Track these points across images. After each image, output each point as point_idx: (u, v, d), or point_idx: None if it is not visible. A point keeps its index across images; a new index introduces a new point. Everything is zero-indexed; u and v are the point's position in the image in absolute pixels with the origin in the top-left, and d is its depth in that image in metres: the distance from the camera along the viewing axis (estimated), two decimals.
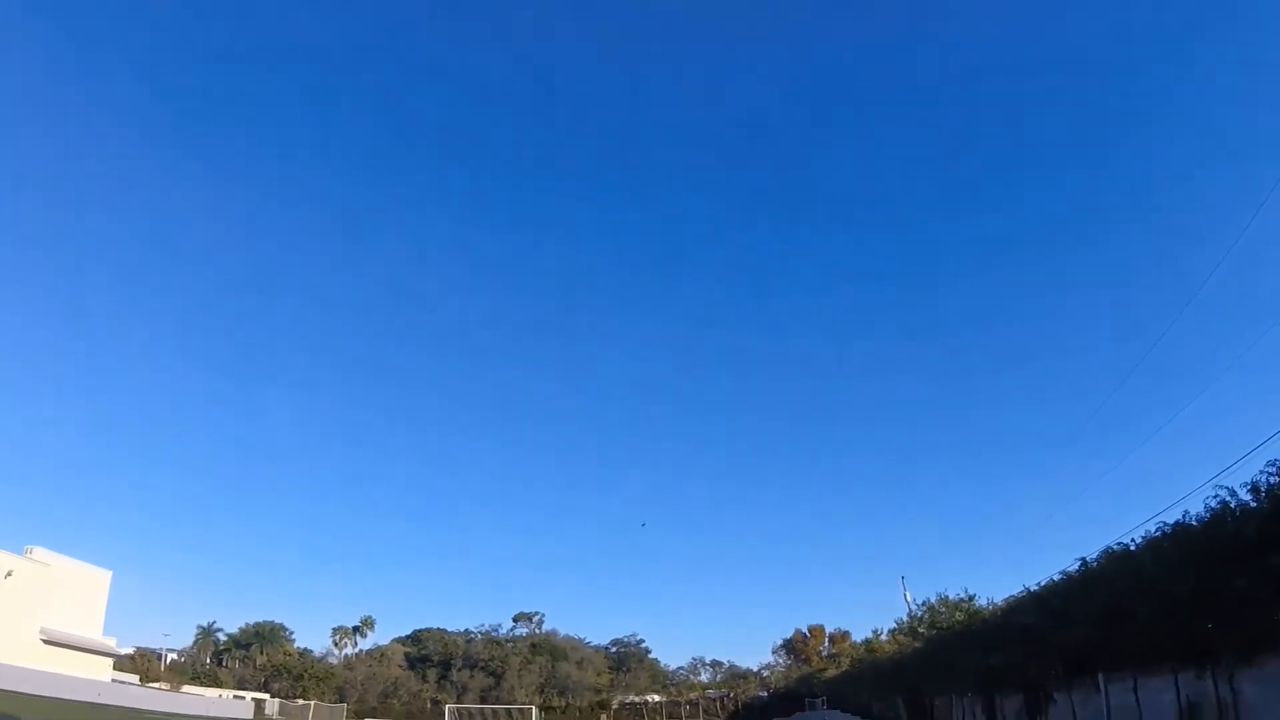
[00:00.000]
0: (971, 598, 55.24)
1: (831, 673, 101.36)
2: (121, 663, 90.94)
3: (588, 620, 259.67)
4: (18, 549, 78.39)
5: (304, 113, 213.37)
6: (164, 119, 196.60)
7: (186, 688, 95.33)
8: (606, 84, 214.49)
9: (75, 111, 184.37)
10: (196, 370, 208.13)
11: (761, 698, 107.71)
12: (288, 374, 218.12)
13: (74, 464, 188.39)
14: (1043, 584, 30.75)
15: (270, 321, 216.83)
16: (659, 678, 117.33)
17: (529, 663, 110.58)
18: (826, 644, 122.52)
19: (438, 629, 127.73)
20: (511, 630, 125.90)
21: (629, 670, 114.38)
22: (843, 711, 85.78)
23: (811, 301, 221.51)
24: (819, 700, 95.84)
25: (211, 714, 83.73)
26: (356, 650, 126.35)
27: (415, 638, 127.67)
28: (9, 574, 72.68)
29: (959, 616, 52.84)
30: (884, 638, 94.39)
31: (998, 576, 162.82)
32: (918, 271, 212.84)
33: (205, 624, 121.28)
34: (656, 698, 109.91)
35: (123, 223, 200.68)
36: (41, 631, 74.44)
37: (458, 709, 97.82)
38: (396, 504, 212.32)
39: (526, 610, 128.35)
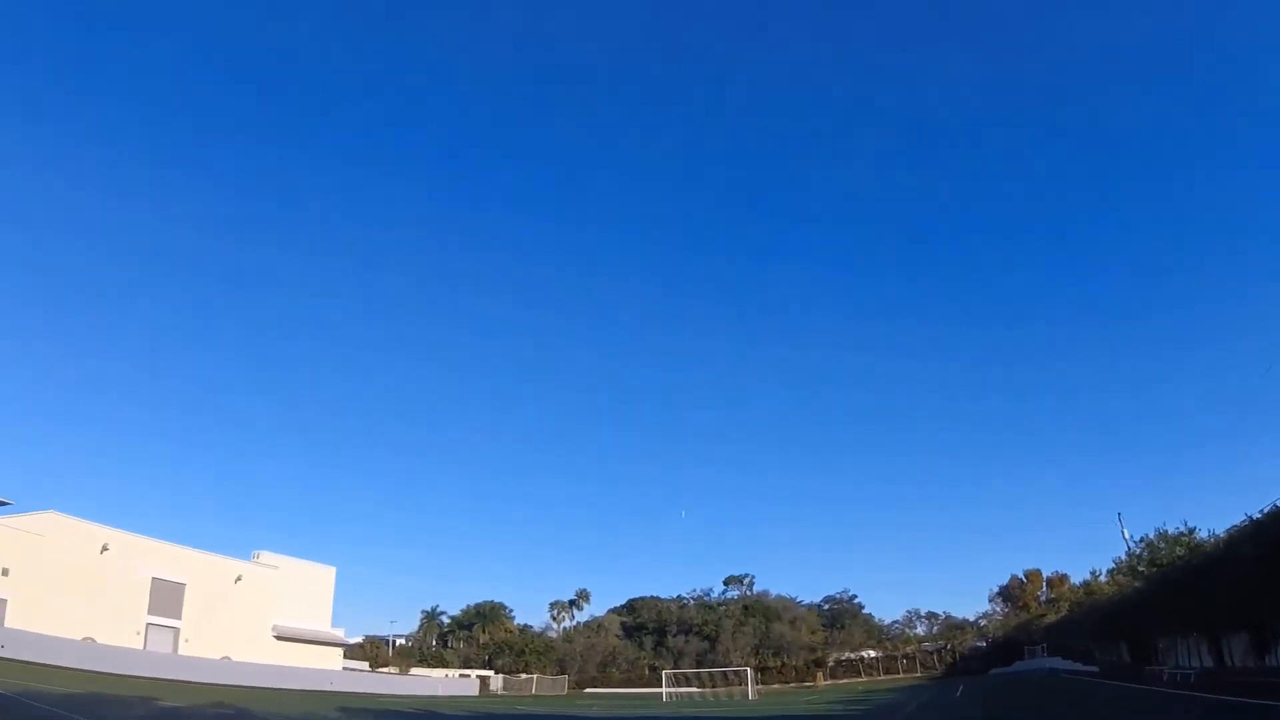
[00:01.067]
0: (1192, 531, 49.77)
1: (1050, 618, 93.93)
2: (352, 651, 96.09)
3: (798, 579, 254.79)
4: (246, 555, 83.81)
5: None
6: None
7: (414, 670, 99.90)
8: None
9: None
10: (398, 364, 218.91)
11: (980, 648, 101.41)
12: (481, 362, 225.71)
13: (296, 470, 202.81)
14: (1266, 510, 25.63)
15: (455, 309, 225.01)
16: (873, 633, 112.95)
17: (742, 625, 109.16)
18: (1044, 589, 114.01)
19: (651, 597, 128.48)
20: (723, 594, 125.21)
21: (843, 627, 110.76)
22: (1063, 658, 79.38)
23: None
24: (1039, 648, 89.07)
25: (439, 693, 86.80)
26: (574, 623, 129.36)
27: (630, 607, 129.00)
28: (239, 579, 77.56)
29: (1179, 552, 47.38)
30: (1103, 579, 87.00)
31: (1220, 504, 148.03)
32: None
33: (429, 608, 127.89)
34: (872, 653, 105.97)
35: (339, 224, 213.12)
36: (273, 628, 79.00)
37: (674, 674, 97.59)
38: (603, 478, 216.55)
39: (737, 573, 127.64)
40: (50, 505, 63.59)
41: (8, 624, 51.35)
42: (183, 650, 66.40)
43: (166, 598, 67.76)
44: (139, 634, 63.36)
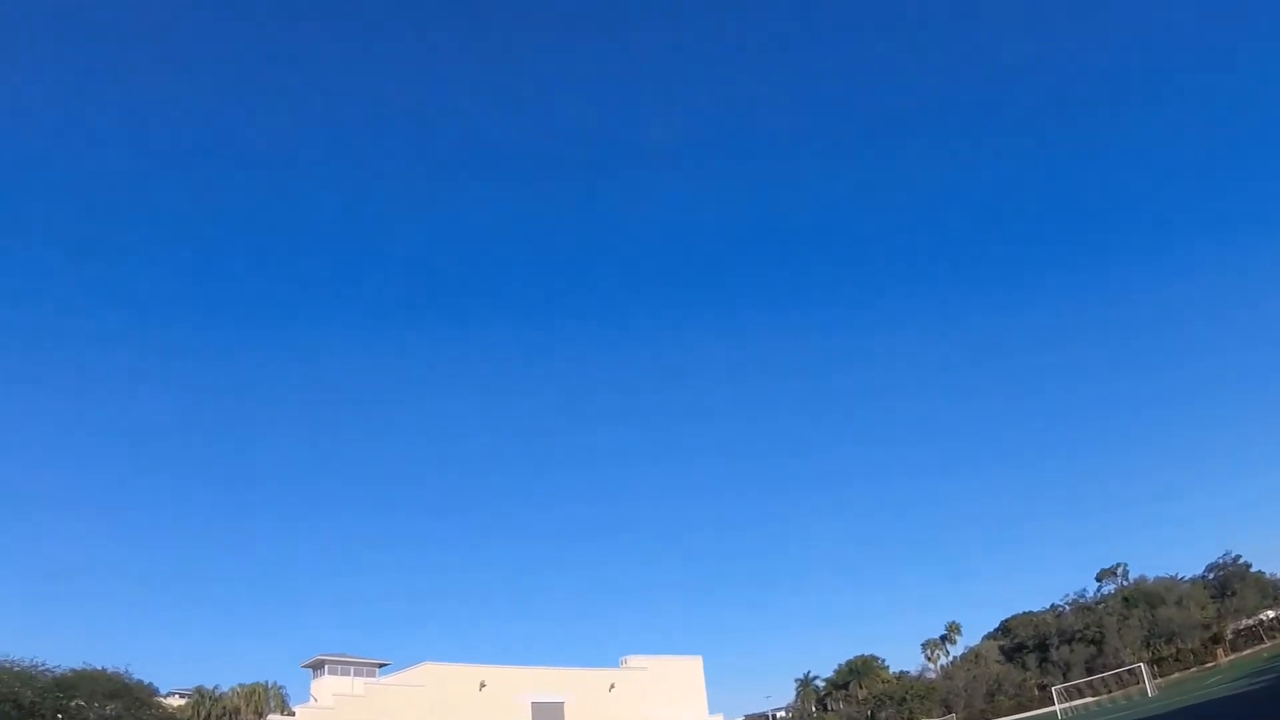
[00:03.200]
0: None
1: None
2: None
3: (1174, 555, 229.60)
4: (614, 662, 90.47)
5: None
6: None
7: None
8: None
9: None
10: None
11: None
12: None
13: (653, 567, 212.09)
14: None
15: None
16: (1268, 590, 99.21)
17: (1125, 619, 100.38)
18: None
19: (1024, 614, 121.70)
20: (1098, 590, 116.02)
21: (1234, 593, 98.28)
22: None
23: None
24: None
25: None
26: (950, 659, 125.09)
27: (1004, 629, 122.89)
28: (612, 687, 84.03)
29: None
30: None
31: None
32: None
33: (802, 675, 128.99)
34: (1272, 613, 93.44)
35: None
36: None
37: (1064, 688, 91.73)
38: (956, 506, 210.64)
39: (1107, 565, 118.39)
40: (425, 657, 73.35)
41: None
42: None
43: (548, 718, 74.92)
44: None
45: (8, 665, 76.05)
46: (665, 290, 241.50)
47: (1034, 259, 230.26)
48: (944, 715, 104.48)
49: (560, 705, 77.22)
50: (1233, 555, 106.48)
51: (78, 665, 76.07)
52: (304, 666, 72.93)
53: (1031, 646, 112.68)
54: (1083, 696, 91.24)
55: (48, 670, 75.66)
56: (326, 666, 69.17)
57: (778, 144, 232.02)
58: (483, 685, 71.50)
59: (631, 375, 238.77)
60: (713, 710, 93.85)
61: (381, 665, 73.22)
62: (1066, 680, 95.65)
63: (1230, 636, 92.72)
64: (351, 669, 70.55)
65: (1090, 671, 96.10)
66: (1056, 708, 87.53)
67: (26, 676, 75.09)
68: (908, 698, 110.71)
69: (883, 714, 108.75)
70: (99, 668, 76.93)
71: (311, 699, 70.36)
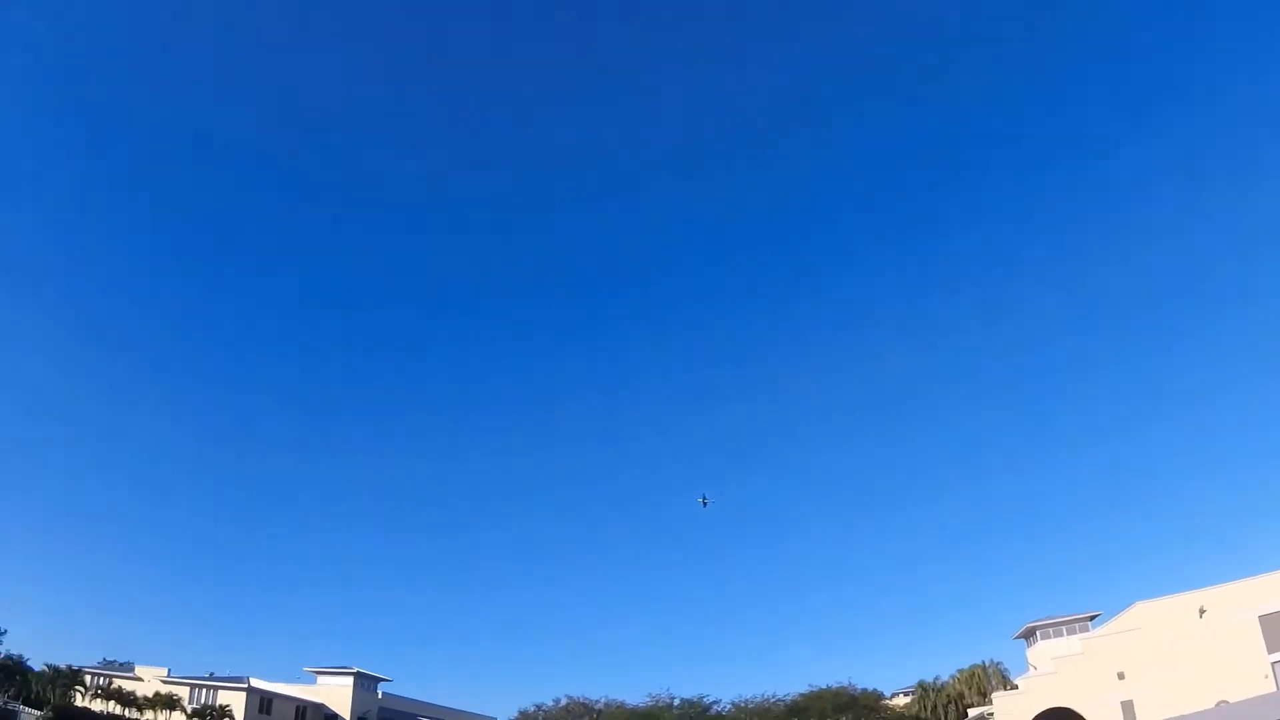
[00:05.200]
0: None
1: None
2: None
3: None
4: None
5: None
6: None
7: None
8: None
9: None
10: None
11: None
12: None
13: None
14: None
15: None
16: None
17: None
18: None
19: None
20: None
21: None
22: None
23: None
24: None
25: None
26: None
27: None
28: (1202, 612, 73.77)
29: None
30: None
31: None
32: None
33: None
34: None
35: None
36: None
37: None
38: None
39: None
40: (1134, 598, 70.64)
41: None
42: None
43: None
44: (1267, 677, 68.67)
45: (743, 704, 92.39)
46: None
47: None
48: None
49: None
50: None
51: (804, 689, 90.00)
52: (1016, 638, 75.95)
53: None
54: None
55: (779, 700, 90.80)
56: (1038, 632, 70.51)
57: None
58: (1202, 611, 69.95)
59: None
60: None
61: (1092, 618, 73.67)
62: None
63: None
64: (1063, 629, 71.05)
65: None
66: None
67: (760, 710, 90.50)
68: None
69: None
70: (824, 686, 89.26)
71: (1030, 668, 72.39)
